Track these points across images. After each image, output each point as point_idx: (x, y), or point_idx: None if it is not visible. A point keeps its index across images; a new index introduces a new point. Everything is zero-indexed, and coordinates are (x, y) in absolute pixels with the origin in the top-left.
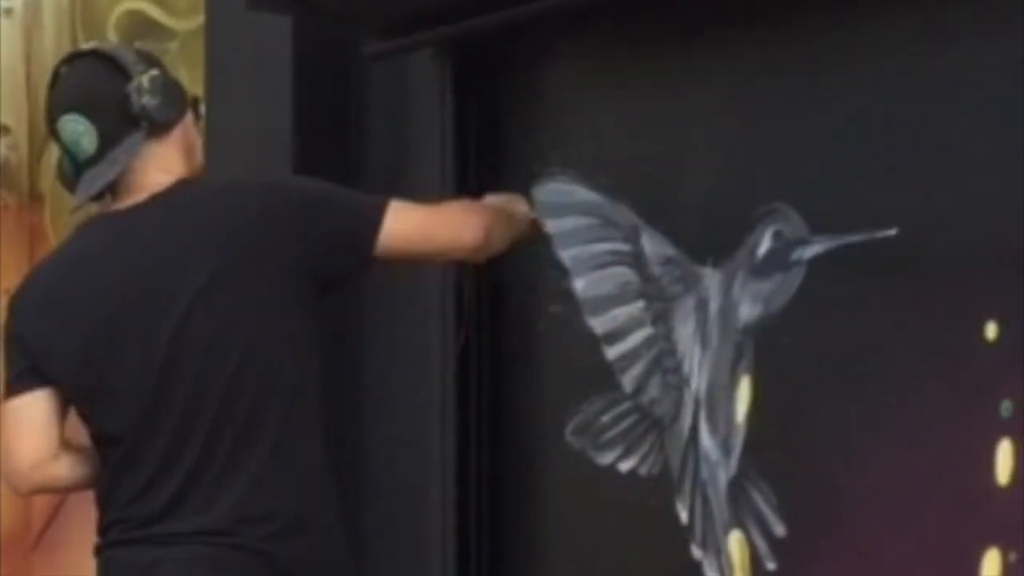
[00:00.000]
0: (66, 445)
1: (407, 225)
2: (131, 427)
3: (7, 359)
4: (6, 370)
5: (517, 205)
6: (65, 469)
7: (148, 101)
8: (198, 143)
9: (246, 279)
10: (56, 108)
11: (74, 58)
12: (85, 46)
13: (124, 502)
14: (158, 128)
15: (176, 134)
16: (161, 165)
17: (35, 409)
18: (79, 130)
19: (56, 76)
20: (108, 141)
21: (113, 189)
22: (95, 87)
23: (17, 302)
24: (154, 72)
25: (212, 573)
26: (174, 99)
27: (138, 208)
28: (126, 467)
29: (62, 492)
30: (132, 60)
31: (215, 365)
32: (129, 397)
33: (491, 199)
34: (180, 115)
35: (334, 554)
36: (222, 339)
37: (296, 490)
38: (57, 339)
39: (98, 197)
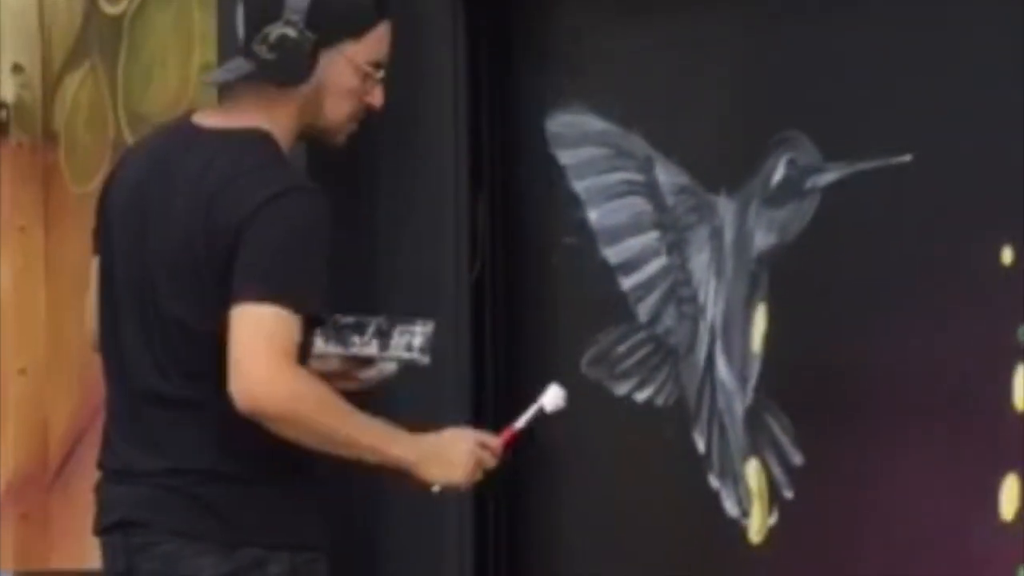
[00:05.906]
0: None
1: (241, 327)
2: (105, 345)
3: None
4: None
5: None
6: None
7: (265, 53)
8: (330, 106)
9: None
10: None
11: None
12: None
13: (107, 430)
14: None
15: (301, 92)
16: (261, 105)
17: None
18: (239, 15)
19: None
20: (243, 51)
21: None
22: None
23: (114, 174)
24: (289, 31)
25: (148, 515)
26: (294, 64)
27: (200, 135)
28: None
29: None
30: (298, 5)
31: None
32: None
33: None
34: (297, 81)
35: (271, 505)
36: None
37: (234, 445)
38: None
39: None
